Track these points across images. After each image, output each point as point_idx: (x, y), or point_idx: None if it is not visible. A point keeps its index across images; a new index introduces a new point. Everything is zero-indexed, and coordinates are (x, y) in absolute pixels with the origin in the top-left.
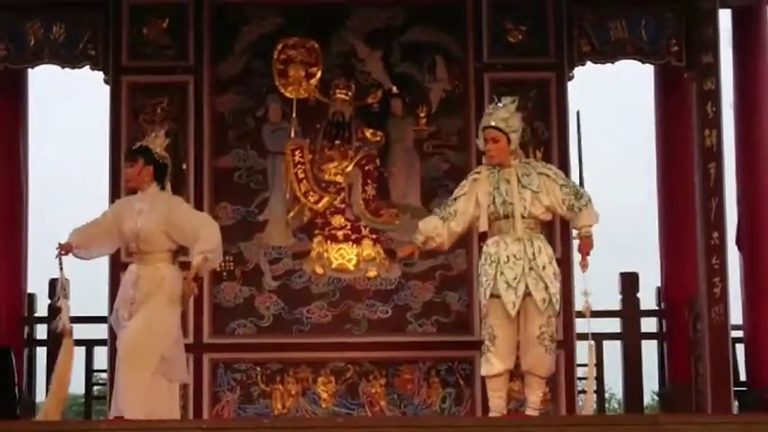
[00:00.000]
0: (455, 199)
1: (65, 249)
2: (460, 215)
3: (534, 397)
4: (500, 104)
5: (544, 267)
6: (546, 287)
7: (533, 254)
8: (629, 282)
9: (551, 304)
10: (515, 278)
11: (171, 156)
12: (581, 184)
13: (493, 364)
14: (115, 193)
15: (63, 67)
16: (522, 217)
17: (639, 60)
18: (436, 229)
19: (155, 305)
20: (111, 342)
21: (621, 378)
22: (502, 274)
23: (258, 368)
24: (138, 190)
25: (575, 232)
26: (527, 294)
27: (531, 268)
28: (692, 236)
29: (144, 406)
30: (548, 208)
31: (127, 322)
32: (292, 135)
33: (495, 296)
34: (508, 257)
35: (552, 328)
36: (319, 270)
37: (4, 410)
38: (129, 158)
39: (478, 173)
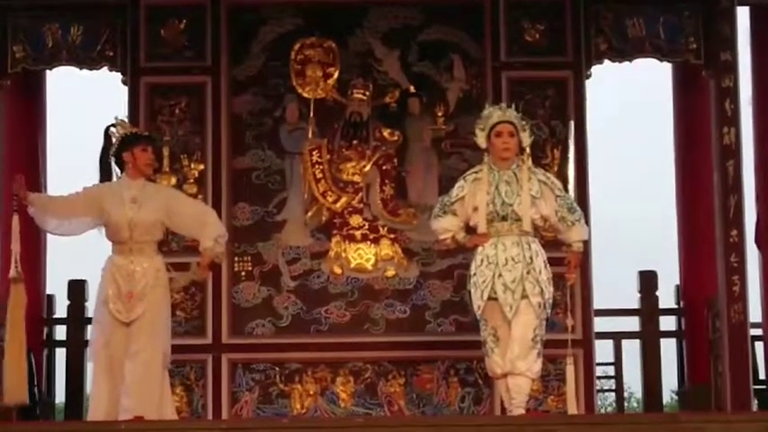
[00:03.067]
0: (452, 202)
1: (22, 194)
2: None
3: (524, 396)
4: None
5: (540, 271)
6: (541, 291)
7: (531, 257)
8: (648, 280)
9: (544, 309)
10: (514, 281)
11: (187, 156)
12: (580, 195)
13: (500, 365)
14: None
15: (81, 69)
16: (520, 220)
17: (657, 58)
18: (452, 225)
19: (158, 301)
20: None
21: (640, 377)
22: (500, 276)
23: (277, 368)
24: (143, 176)
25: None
26: (523, 297)
27: (528, 272)
28: (710, 234)
29: (157, 403)
30: (543, 216)
31: (126, 316)
32: (310, 135)
33: (491, 298)
34: (507, 260)
35: (543, 332)
36: (338, 270)
37: (24, 411)
38: (145, 143)
39: (479, 171)
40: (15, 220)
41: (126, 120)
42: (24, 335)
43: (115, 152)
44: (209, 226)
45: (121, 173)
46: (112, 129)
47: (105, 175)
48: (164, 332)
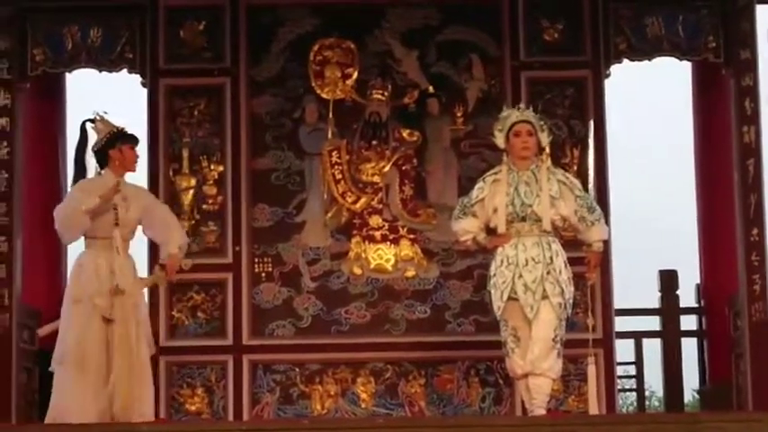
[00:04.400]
0: (472, 204)
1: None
2: (479, 218)
3: (545, 397)
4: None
5: (560, 272)
6: (562, 291)
7: (551, 257)
8: (669, 279)
9: (565, 309)
10: (534, 281)
11: (206, 157)
12: (600, 194)
13: (521, 365)
14: (154, 195)
15: (100, 71)
16: (540, 220)
17: (677, 57)
18: (472, 226)
19: (141, 297)
20: None
21: (661, 376)
22: (520, 276)
23: (297, 369)
24: (124, 174)
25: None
26: (544, 297)
27: (548, 272)
28: (731, 233)
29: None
30: (563, 216)
31: (110, 312)
32: (329, 136)
33: (512, 299)
34: (527, 260)
35: (564, 332)
36: (357, 270)
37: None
38: (133, 142)
39: (498, 172)
40: (116, 232)
41: (106, 115)
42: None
43: (102, 147)
44: (172, 229)
45: (101, 168)
46: (90, 124)
47: (82, 171)
48: (148, 327)
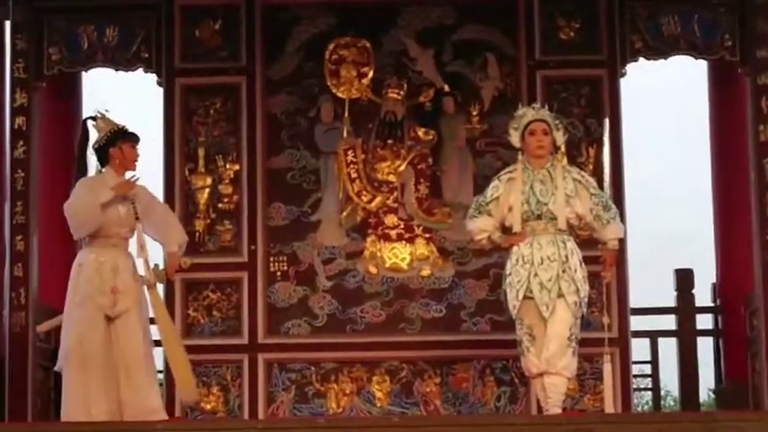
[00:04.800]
0: (488, 202)
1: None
2: (495, 217)
3: (560, 395)
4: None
5: (576, 270)
6: (577, 290)
7: (566, 256)
8: (685, 278)
9: (580, 307)
10: (550, 280)
11: (222, 156)
12: (615, 193)
13: (536, 364)
14: (170, 194)
15: (116, 70)
16: (555, 219)
17: (693, 56)
18: (487, 225)
19: (142, 295)
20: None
21: (677, 375)
22: (536, 275)
23: (313, 368)
24: (125, 172)
25: (600, 244)
26: (559, 296)
27: (564, 270)
28: (747, 231)
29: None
30: (578, 214)
31: (112, 311)
32: (345, 135)
33: (527, 297)
34: (542, 259)
35: (578, 330)
36: (373, 269)
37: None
38: (133, 140)
39: (513, 171)
40: (139, 227)
41: (108, 113)
42: (177, 333)
43: (102, 145)
44: (172, 228)
45: (102, 166)
46: (91, 122)
47: (82, 169)
48: (148, 326)
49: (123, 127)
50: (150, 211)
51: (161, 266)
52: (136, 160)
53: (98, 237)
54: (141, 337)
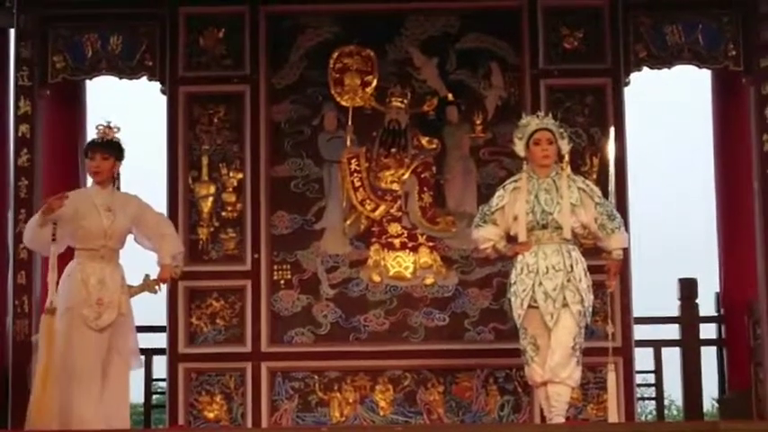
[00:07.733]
0: (493, 211)
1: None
2: (500, 226)
3: (564, 405)
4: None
5: (580, 279)
6: (582, 300)
7: (571, 265)
8: (688, 288)
9: (584, 317)
10: (554, 289)
11: (225, 165)
12: (619, 202)
13: (540, 373)
14: (173, 202)
15: (120, 78)
16: (560, 228)
17: (696, 65)
18: (493, 234)
19: (129, 308)
20: (171, 350)
21: (681, 385)
22: (540, 284)
23: (316, 376)
24: (100, 184)
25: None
26: (564, 305)
27: (568, 280)
28: (750, 241)
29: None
30: (583, 223)
31: (96, 323)
32: (348, 143)
33: (532, 307)
34: (547, 268)
35: (582, 340)
36: (376, 278)
37: None
38: (102, 151)
39: (518, 180)
40: (53, 248)
41: (110, 123)
42: (50, 367)
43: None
44: (166, 238)
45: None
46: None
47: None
48: (136, 339)
49: (93, 139)
50: (141, 221)
51: (152, 276)
52: (94, 171)
53: (85, 249)
54: (128, 350)
